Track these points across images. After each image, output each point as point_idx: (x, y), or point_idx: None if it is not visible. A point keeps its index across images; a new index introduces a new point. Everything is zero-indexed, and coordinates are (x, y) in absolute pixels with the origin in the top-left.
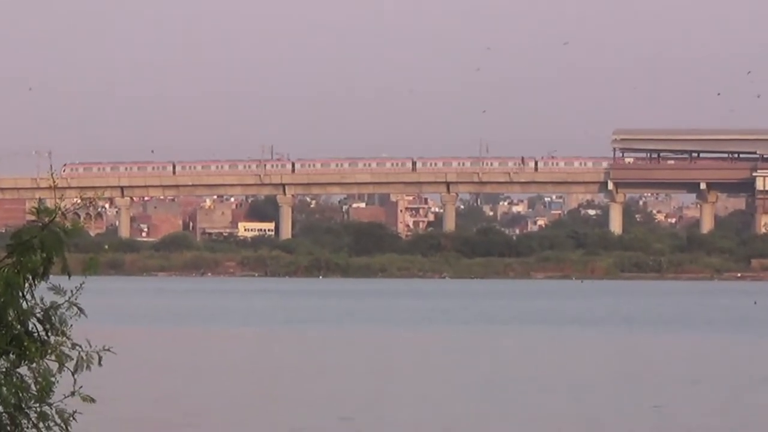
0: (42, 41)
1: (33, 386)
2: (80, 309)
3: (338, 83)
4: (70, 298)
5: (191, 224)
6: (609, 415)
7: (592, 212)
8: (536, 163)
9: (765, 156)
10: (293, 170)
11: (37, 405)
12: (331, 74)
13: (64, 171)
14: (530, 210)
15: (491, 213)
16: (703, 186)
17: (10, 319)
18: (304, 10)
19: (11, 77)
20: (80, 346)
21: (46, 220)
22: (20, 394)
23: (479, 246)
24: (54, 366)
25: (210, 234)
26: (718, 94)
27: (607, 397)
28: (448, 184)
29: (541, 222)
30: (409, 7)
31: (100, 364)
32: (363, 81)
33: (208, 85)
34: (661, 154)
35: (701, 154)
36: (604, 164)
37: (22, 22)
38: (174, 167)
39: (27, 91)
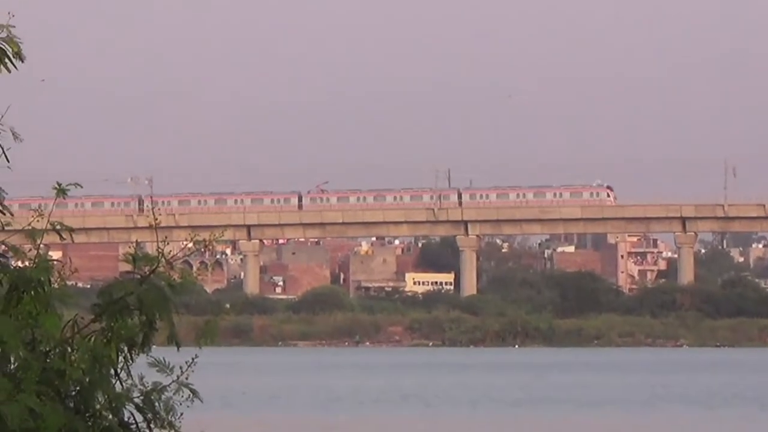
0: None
1: None
2: (193, 391)
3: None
4: (179, 377)
5: (342, 276)
6: None
7: None
8: None
9: None
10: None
11: None
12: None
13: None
14: None
15: (741, 258)
16: None
17: (98, 406)
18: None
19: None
20: None
21: (146, 270)
22: None
23: (726, 303)
24: None
25: (367, 289)
26: None
27: None
28: (683, 220)
29: None
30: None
31: None
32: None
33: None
34: None
35: None
36: None
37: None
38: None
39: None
